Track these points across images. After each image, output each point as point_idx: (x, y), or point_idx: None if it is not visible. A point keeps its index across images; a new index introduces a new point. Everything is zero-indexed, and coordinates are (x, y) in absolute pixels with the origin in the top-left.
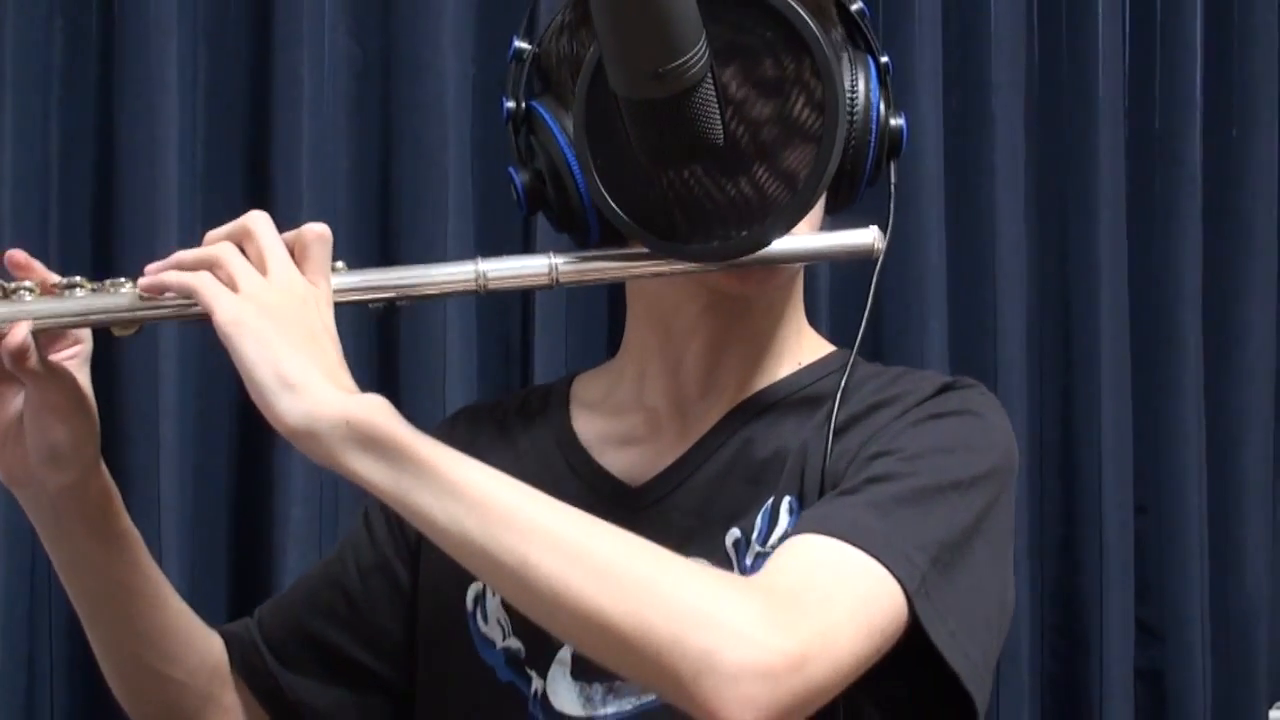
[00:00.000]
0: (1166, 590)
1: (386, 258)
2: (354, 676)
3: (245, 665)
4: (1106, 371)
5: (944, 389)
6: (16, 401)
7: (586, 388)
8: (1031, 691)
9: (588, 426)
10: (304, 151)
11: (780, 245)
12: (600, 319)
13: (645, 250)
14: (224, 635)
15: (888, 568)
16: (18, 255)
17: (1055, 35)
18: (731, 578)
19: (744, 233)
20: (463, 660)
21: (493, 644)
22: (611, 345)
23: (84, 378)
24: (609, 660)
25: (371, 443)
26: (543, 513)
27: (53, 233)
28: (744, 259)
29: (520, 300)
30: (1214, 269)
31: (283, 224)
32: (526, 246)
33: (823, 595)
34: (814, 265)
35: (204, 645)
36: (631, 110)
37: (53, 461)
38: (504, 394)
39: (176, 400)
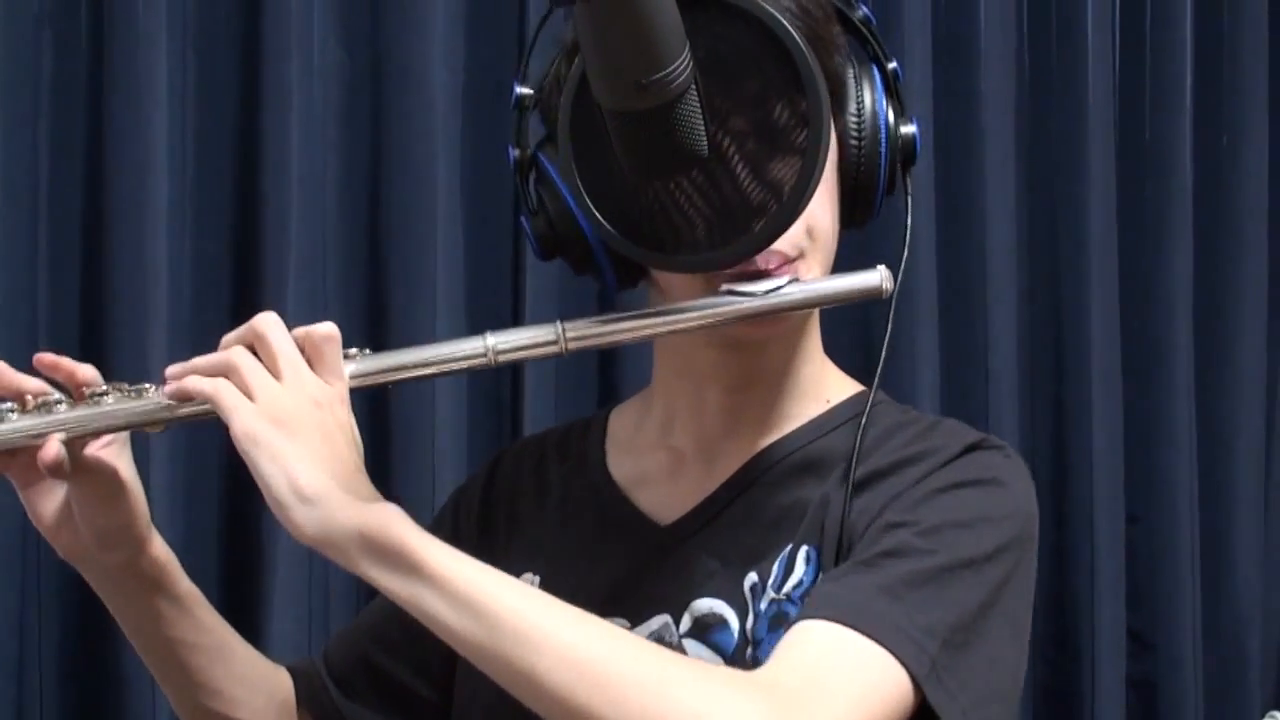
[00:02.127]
0: (1158, 599)
1: (375, 268)
2: (411, 707)
3: (312, 699)
4: (1097, 380)
5: (969, 449)
6: (62, 491)
7: (621, 424)
8: (1024, 701)
9: (620, 464)
10: (293, 161)
11: (788, 293)
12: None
13: (654, 310)
14: (292, 672)
15: (896, 655)
16: (45, 357)
17: (1045, 45)
18: (737, 679)
19: (733, 242)
20: (493, 688)
21: None
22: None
23: (124, 463)
24: None
25: (385, 554)
26: (551, 623)
27: (42, 242)
28: (753, 310)
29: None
30: (1204, 277)
31: (273, 233)
32: (515, 256)
33: (827, 689)
34: None
35: (271, 686)
36: (616, 122)
37: (103, 544)
38: (544, 430)
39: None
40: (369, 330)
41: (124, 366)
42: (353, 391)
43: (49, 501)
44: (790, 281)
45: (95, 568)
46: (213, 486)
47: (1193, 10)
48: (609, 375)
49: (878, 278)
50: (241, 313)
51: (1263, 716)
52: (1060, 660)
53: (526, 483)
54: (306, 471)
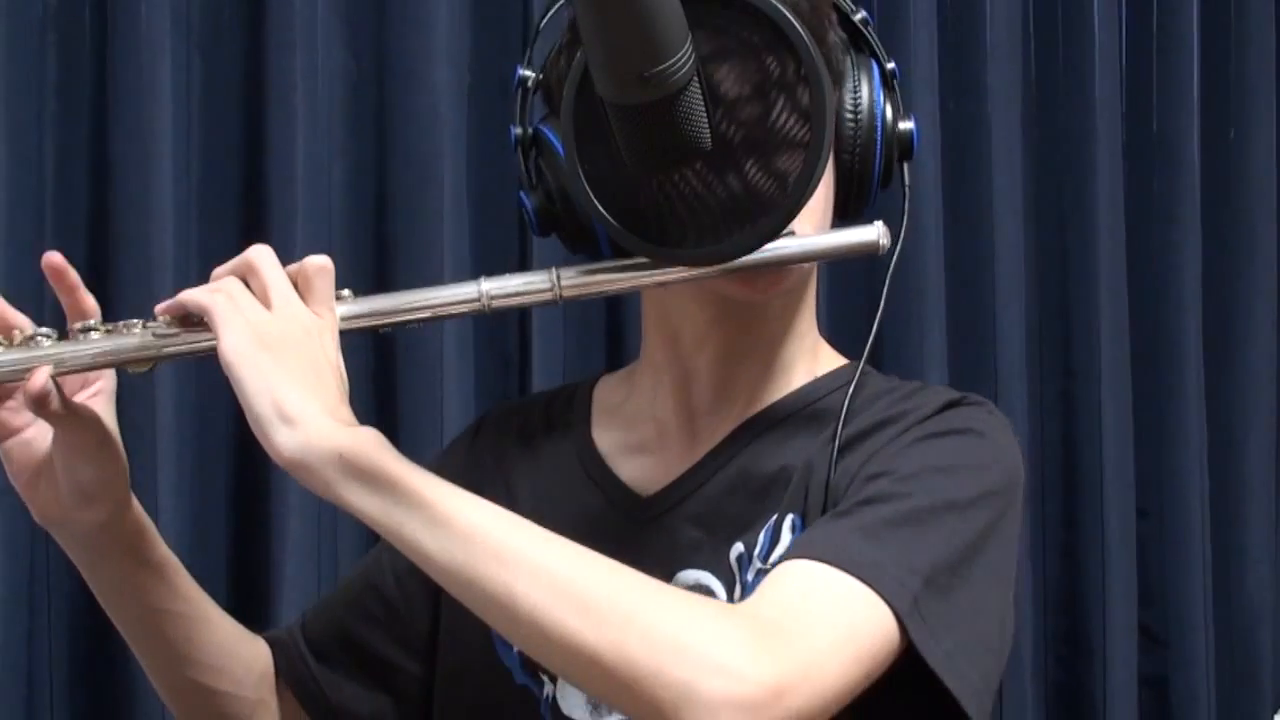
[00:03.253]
0: (1169, 595)
1: (382, 267)
2: (394, 681)
3: (290, 672)
4: (1107, 375)
5: (948, 406)
6: (44, 444)
7: (608, 394)
8: (1035, 698)
9: (605, 435)
10: (298, 162)
11: (784, 246)
12: (599, 327)
13: (647, 260)
14: (270, 642)
15: (878, 592)
16: (55, 260)
17: (1051, 40)
18: (717, 607)
19: (735, 236)
20: (481, 660)
21: (511, 646)
22: (610, 353)
23: (109, 416)
24: (593, 690)
25: (363, 475)
26: (530, 545)
27: (48, 244)
28: (747, 262)
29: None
30: (1214, 271)
31: (279, 235)
32: (523, 255)
33: (807, 623)
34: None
35: (249, 655)
36: (618, 115)
37: (83, 501)
38: (530, 396)
39: (174, 414)
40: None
41: (134, 376)
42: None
43: (29, 455)
44: (786, 234)
45: (73, 529)
46: (220, 478)
47: (1199, 4)
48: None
49: (875, 232)
50: None
51: (1275, 713)
52: (1072, 657)
53: (510, 450)
54: (290, 393)
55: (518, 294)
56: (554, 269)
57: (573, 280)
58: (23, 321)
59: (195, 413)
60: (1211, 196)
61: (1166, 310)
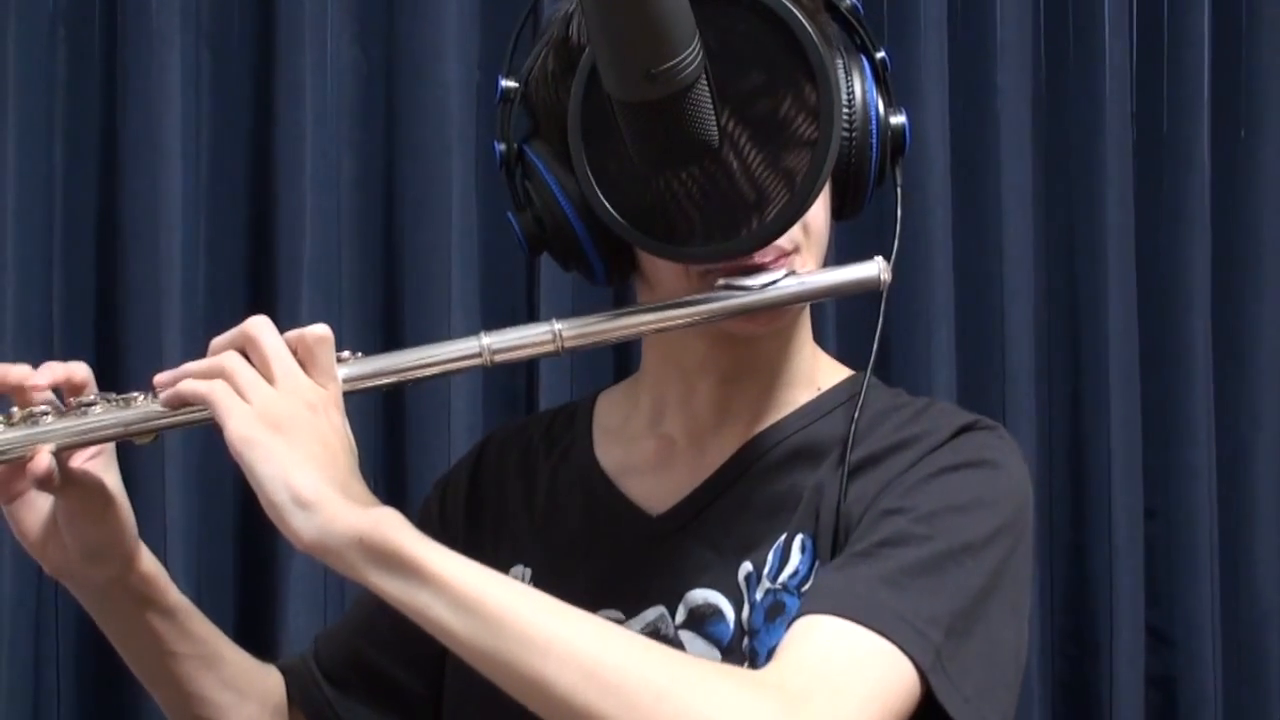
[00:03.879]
0: (1177, 595)
1: (389, 263)
2: (406, 703)
3: (304, 696)
4: (1115, 375)
5: (961, 431)
6: (48, 505)
7: (608, 411)
8: (1042, 697)
9: (608, 453)
10: (307, 159)
11: (785, 286)
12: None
13: (650, 305)
14: (282, 669)
15: (900, 647)
16: (29, 376)
17: (1061, 38)
18: (744, 679)
19: (741, 234)
20: (487, 681)
21: None
22: (618, 364)
23: (111, 477)
24: None
25: (384, 559)
26: (560, 627)
27: (57, 242)
28: (749, 304)
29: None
30: (1223, 271)
31: (287, 232)
32: (530, 257)
33: (835, 687)
34: None
35: (263, 688)
36: (625, 112)
37: (92, 559)
38: (530, 417)
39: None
40: (383, 326)
41: (138, 364)
42: (351, 395)
43: (34, 517)
44: (787, 275)
45: (83, 584)
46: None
47: (1210, 3)
48: (622, 352)
49: (875, 269)
50: (255, 309)
51: None
52: (1079, 656)
53: (513, 472)
54: (304, 476)
55: (519, 348)
56: (554, 321)
57: (573, 331)
58: (21, 374)
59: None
60: (1221, 196)
61: (1176, 310)
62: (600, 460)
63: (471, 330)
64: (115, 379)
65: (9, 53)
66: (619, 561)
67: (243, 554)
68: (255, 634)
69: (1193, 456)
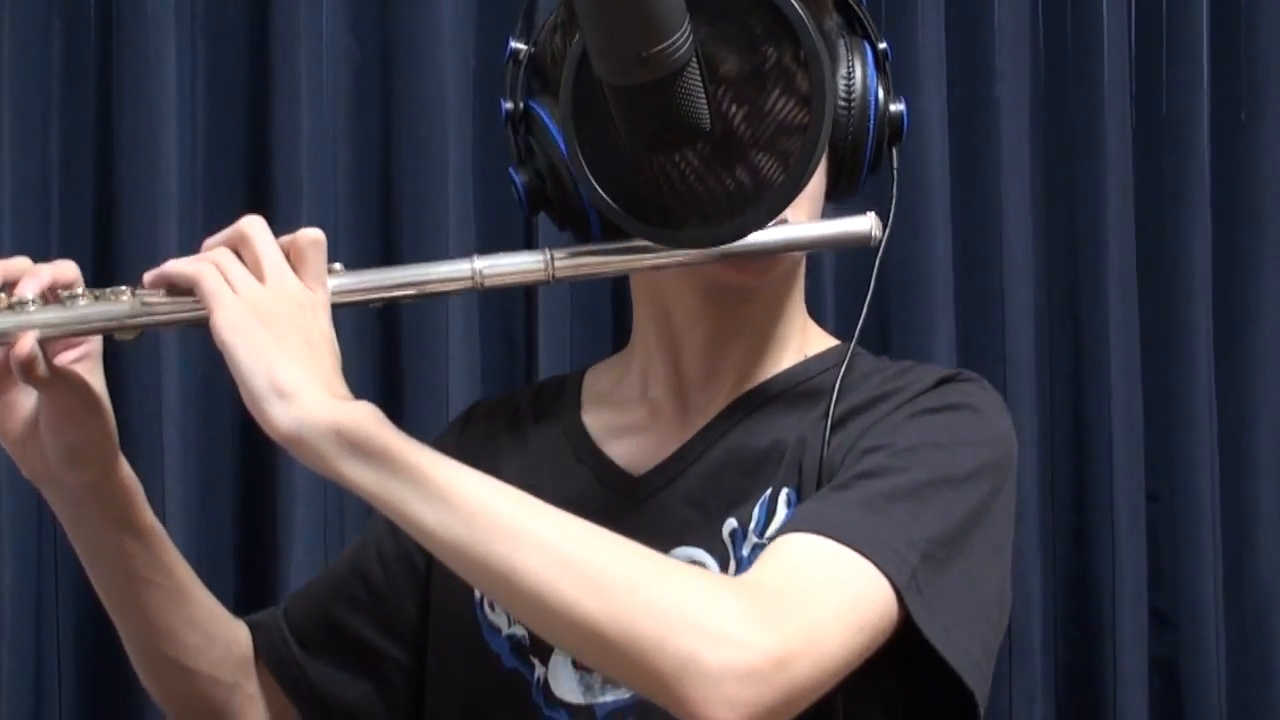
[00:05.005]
0: (1180, 577)
1: (387, 253)
2: (378, 667)
3: (271, 655)
4: (1116, 358)
5: (943, 382)
6: (30, 404)
7: (597, 380)
8: (1045, 680)
9: (595, 418)
10: (303, 148)
11: (776, 234)
12: (604, 313)
13: (641, 243)
14: (251, 625)
15: (877, 565)
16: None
17: (1060, 21)
18: (719, 579)
19: (735, 218)
20: (470, 646)
21: (499, 631)
22: (616, 338)
23: (96, 379)
24: (595, 662)
25: (361, 449)
26: (530, 518)
27: (54, 231)
28: (740, 248)
29: (523, 296)
30: (1223, 254)
31: (284, 221)
32: (528, 241)
33: (808, 594)
34: (818, 257)
35: (229, 637)
36: (617, 96)
37: (71, 462)
38: (519, 387)
39: (179, 400)
40: (379, 313)
41: (137, 353)
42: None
43: (16, 414)
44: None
45: (59, 489)
46: (226, 465)
47: None
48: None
49: (867, 223)
50: None
51: None
52: (1082, 641)
53: (500, 438)
54: (286, 368)
55: (510, 272)
56: (548, 249)
57: (566, 261)
58: (12, 268)
59: (200, 400)
60: (1222, 179)
61: (1176, 293)
62: (586, 424)
63: (469, 321)
64: (113, 372)
65: (4, 43)
66: (603, 523)
67: (241, 542)
68: (255, 600)
69: (1195, 439)
